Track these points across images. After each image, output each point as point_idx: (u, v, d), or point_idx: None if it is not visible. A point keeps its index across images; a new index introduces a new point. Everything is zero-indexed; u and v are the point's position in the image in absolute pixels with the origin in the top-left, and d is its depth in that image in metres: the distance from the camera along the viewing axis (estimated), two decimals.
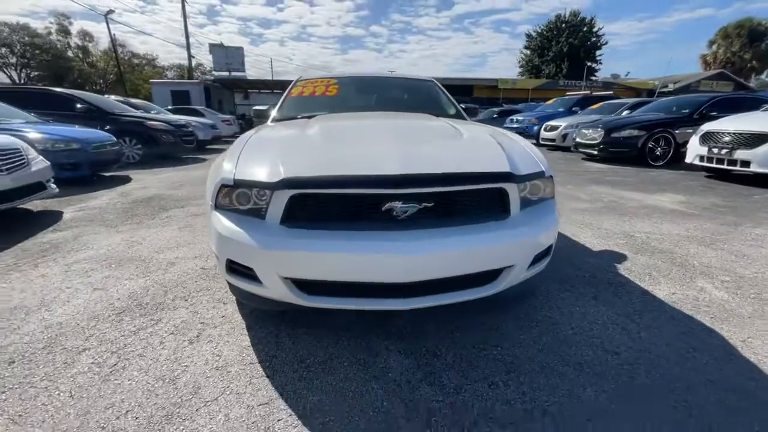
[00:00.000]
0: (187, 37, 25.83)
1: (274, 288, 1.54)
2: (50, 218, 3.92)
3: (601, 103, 11.57)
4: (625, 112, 9.96)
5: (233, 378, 1.48)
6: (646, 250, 2.82)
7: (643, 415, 1.29)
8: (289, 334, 1.76)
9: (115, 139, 6.74)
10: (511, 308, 1.99)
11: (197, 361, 1.58)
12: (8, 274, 2.47)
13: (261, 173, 1.56)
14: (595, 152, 8.05)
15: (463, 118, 3.00)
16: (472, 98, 29.33)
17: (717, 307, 2.00)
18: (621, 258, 2.69)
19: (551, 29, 39.15)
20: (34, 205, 4.41)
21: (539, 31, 40.45)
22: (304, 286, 1.55)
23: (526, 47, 42.21)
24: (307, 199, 1.52)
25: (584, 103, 12.63)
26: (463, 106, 3.33)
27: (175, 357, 1.60)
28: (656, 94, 19.91)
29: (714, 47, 35.21)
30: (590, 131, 8.21)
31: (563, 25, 38.31)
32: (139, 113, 9.29)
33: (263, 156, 1.69)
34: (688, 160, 6.15)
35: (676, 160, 7.25)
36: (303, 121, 2.43)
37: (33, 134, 5.45)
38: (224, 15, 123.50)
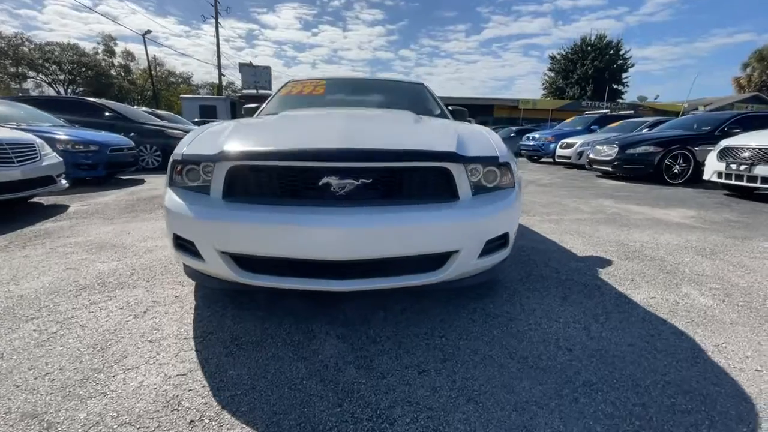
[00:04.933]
0: (219, 56, 27.24)
1: (213, 263, 1.53)
2: (55, 211, 4.10)
3: (621, 122, 11.28)
4: (645, 131, 9.67)
5: (162, 349, 1.46)
6: (636, 257, 2.66)
7: (574, 411, 1.18)
8: (234, 315, 1.74)
9: (132, 143, 7.07)
10: (469, 302, 1.89)
11: (134, 333, 1.57)
12: None
13: (205, 149, 1.59)
14: (610, 169, 7.81)
15: (447, 119, 2.98)
16: (493, 118, 29.32)
17: (697, 313, 1.84)
18: (605, 263, 2.54)
19: (576, 52, 38.94)
20: (46, 199, 4.65)
21: (564, 53, 40.32)
22: (241, 262, 1.53)
23: (550, 69, 42.08)
24: (246, 172, 1.52)
25: (604, 121, 12.35)
26: (451, 108, 3.32)
27: (114, 329, 1.61)
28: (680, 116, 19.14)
29: (748, 70, 34.01)
30: (605, 147, 7.99)
31: (588, 47, 38.06)
32: (160, 122, 9.75)
33: (214, 137, 1.73)
34: (705, 177, 5.85)
35: (695, 178, 6.92)
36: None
37: (57, 135, 5.81)
38: (261, 39, 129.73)
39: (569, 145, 10.58)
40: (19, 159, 3.78)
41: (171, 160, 1.70)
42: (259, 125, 1.87)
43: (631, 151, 7.38)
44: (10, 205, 4.12)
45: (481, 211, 1.55)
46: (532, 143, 13.04)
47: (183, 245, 1.61)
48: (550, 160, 12.22)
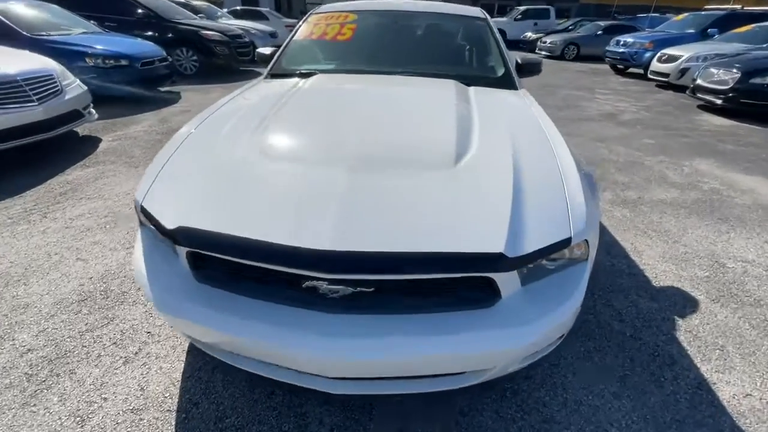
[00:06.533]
0: None
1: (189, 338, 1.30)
2: (87, 148, 4.03)
3: (753, 26, 8.62)
4: None
5: None
6: (733, 298, 2.07)
7: None
8: (226, 371, 1.56)
9: (164, 54, 6.59)
10: (497, 380, 1.56)
11: (119, 395, 1.45)
12: (17, 224, 2.55)
13: (164, 207, 1.21)
14: (719, 101, 6.18)
15: (511, 85, 2.22)
16: (578, 4, 24.20)
17: None
18: (689, 306, 2.00)
19: None
20: (82, 127, 4.55)
21: None
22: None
23: None
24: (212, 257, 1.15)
25: (727, 23, 9.55)
26: (519, 59, 2.48)
27: (101, 383, 1.50)
28: None
29: None
30: (720, 71, 6.22)
31: None
32: (195, 21, 8.95)
33: (186, 171, 1.33)
34: None
35: None
36: (280, 94, 1.90)
37: (89, 49, 5.47)
38: None
39: (671, 58, 8.46)
40: (39, 95, 3.57)
41: (135, 198, 1.35)
42: (243, 156, 1.35)
43: (758, 80, 5.69)
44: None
45: (532, 327, 1.09)
46: (621, 50, 10.67)
47: None
48: (641, 71, 10.05)
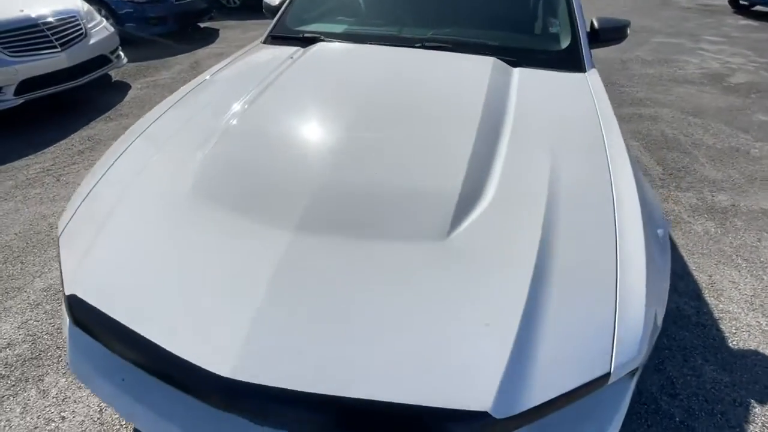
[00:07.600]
0: None
1: None
2: (117, 95, 3.95)
3: None
4: None
5: None
6: None
7: None
8: None
9: None
10: None
11: (77, 415, 1.37)
12: (32, 186, 2.55)
13: (75, 254, 0.97)
14: None
15: (577, 64, 1.62)
16: None
17: None
18: None
19: None
20: (115, 71, 4.45)
21: None
22: None
23: None
24: None
25: None
26: (595, 21, 1.82)
27: (64, 396, 1.42)
28: None
29: None
30: None
31: None
32: None
33: (109, 202, 1.06)
34: None
35: None
36: (259, 79, 1.49)
37: None
38: None
39: None
40: (62, 40, 3.42)
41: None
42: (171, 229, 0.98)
43: None
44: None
45: None
46: None
47: None
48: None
